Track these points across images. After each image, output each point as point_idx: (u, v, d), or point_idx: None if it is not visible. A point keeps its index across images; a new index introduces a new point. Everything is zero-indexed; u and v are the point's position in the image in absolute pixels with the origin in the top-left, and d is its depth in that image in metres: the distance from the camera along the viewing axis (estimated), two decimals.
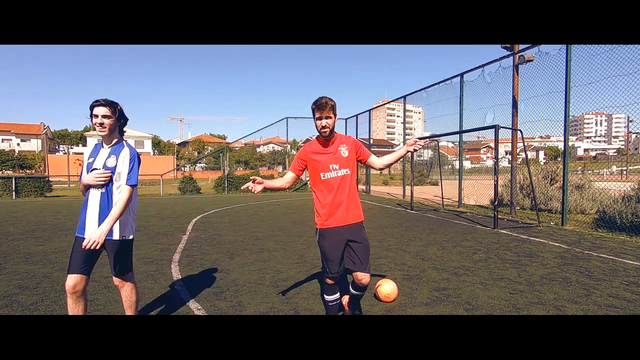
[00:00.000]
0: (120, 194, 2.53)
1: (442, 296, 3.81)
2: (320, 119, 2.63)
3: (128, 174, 2.55)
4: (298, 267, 4.97)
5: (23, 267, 4.88)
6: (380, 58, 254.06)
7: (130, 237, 2.64)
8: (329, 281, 2.78)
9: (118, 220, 2.51)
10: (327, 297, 2.82)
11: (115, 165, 2.53)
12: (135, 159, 2.57)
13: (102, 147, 2.59)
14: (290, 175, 2.87)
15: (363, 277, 2.73)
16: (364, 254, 2.73)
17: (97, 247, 2.39)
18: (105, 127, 2.49)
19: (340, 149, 2.74)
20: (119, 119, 2.58)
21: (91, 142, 65.92)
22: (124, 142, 2.63)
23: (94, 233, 2.40)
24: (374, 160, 2.88)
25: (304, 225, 8.56)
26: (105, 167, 2.52)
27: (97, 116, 2.48)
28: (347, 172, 2.72)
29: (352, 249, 2.72)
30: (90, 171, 2.54)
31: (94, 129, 2.54)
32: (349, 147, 2.76)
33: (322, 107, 2.60)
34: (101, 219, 2.49)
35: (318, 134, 2.74)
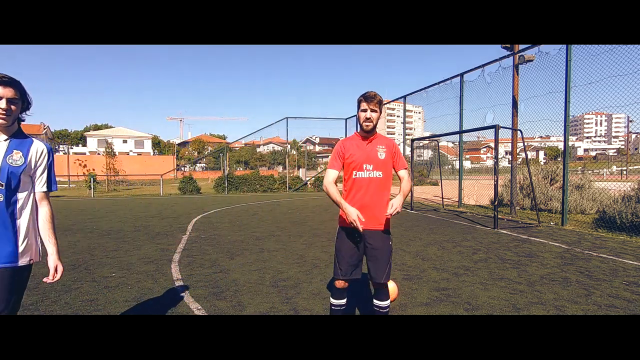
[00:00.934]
0: (43, 206, 1.95)
1: (442, 296, 3.81)
2: (365, 110, 2.50)
3: (49, 177, 1.97)
4: (298, 267, 4.97)
5: None
6: (381, 58, 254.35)
7: (38, 258, 1.96)
8: (338, 284, 2.64)
9: (25, 239, 1.88)
10: (334, 301, 2.68)
11: (25, 164, 1.86)
12: (52, 156, 1.99)
13: None
14: (335, 175, 2.64)
15: (378, 284, 2.63)
16: (382, 262, 2.56)
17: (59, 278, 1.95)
18: (11, 115, 1.83)
19: (378, 149, 2.57)
20: (26, 105, 1.93)
21: (92, 142, 65.90)
22: (27, 135, 1.97)
23: (51, 262, 1.93)
24: (403, 176, 2.66)
25: (304, 225, 8.55)
26: (5, 165, 1.81)
27: None
28: (380, 175, 2.56)
29: (371, 256, 2.58)
30: None
31: None
32: (388, 150, 2.60)
33: (370, 98, 2.49)
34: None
35: (359, 128, 2.60)
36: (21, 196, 1.88)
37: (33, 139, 1.95)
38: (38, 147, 1.92)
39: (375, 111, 2.52)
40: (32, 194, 1.93)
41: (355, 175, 2.57)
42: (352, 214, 2.44)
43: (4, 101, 1.80)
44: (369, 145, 2.59)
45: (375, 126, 2.56)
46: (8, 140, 1.86)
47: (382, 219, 2.58)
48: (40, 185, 1.94)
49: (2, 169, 1.80)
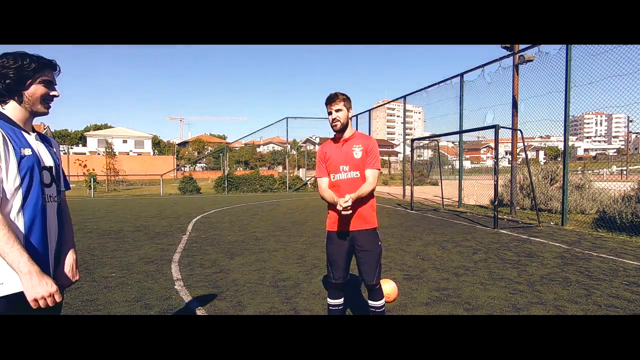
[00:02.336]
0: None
1: (442, 296, 3.81)
2: (330, 113, 2.52)
3: None
4: (298, 267, 4.97)
5: None
6: (380, 58, 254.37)
7: None
8: (333, 285, 2.70)
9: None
10: (330, 301, 2.73)
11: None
12: None
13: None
14: (326, 181, 2.63)
15: (369, 285, 2.66)
16: (372, 264, 2.57)
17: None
18: None
19: (355, 149, 2.55)
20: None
21: (92, 142, 65.90)
22: None
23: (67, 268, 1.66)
24: (367, 175, 2.55)
25: (304, 225, 8.55)
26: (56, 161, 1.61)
27: None
28: (357, 175, 2.53)
29: (360, 258, 2.59)
30: (45, 170, 1.52)
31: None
32: (364, 149, 2.55)
33: (332, 99, 2.50)
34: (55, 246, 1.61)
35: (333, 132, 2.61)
36: None
37: None
38: None
39: (340, 110, 2.51)
40: None
41: (334, 178, 2.58)
42: (340, 201, 2.38)
43: None
44: (344, 146, 2.58)
45: (345, 125, 2.55)
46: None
47: (367, 218, 2.59)
48: None
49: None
